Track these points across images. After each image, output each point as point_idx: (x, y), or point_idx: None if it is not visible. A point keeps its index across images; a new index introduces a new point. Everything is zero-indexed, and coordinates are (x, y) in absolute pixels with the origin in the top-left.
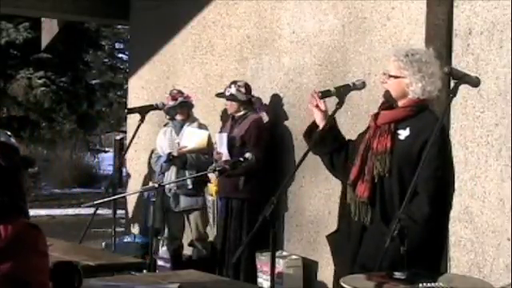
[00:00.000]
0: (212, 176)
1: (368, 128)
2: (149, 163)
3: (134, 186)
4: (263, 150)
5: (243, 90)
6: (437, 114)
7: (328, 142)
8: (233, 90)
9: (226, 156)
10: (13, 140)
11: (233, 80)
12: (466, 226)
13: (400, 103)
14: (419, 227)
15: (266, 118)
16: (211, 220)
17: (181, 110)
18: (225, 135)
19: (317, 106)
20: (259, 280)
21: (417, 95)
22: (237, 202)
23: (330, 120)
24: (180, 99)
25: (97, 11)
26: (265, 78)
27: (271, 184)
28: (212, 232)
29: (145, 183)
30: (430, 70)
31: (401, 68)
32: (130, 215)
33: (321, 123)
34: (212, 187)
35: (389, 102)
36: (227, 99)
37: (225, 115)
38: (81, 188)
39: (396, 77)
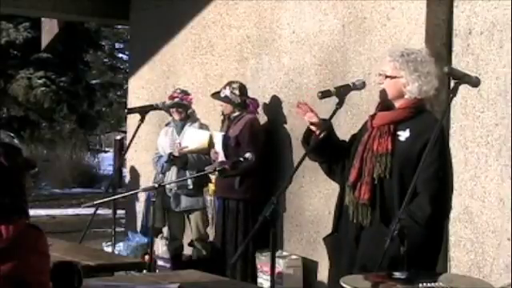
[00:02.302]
0: (212, 176)
1: (362, 129)
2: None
3: (134, 186)
4: (258, 150)
5: (237, 92)
6: (436, 114)
7: (325, 151)
8: (227, 92)
9: (221, 156)
10: (16, 141)
11: (229, 81)
12: (465, 226)
13: (397, 104)
14: (420, 228)
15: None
16: (210, 220)
17: (177, 109)
18: (220, 134)
19: (311, 124)
20: (259, 280)
21: (413, 95)
22: (233, 202)
23: (327, 127)
24: (176, 99)
25: (97, 11)
26: (265, 78)
27: (269, 184)
28: (212, 232)
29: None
30: (425, 70)
31: (397, 68)
32: (130, 215)
33: (316, 132)
34: (212, 187)
35: (385, 103)
36: (222, 101)
37: (223, 115)
38: (81, 188)
39: (392, 77)
